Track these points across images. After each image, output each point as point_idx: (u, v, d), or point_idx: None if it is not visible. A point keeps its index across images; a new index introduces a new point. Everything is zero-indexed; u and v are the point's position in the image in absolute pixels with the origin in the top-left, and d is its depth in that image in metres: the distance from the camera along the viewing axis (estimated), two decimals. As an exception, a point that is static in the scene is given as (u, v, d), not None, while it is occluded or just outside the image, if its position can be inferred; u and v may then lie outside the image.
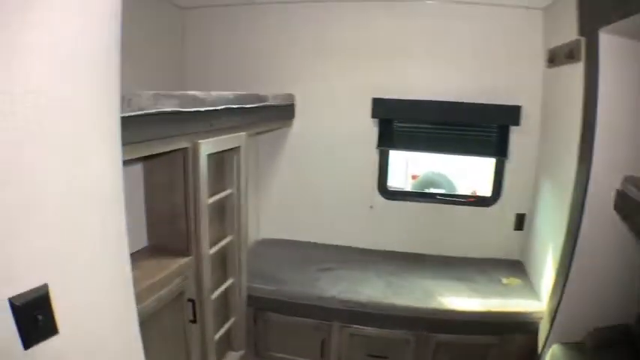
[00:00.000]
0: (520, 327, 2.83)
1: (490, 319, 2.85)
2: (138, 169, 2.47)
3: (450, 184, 6.23)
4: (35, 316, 0.92)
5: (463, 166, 6.15)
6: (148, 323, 2.07)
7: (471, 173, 6.08)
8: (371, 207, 3.77)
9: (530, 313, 2.83)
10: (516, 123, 3.36)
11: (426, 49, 3.46)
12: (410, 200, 3.88)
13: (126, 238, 1.26)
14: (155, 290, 2.11)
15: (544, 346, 2.54)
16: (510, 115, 3.34)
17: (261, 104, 3.01)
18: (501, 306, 2.89)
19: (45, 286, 0.94)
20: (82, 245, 1.05)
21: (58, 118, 0.95)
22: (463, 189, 6.12)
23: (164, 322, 2.27)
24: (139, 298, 1.97)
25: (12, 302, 0.88)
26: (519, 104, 3.33)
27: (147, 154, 2.06)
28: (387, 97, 3.51)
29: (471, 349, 2.91)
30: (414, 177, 6.60)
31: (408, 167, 6.63)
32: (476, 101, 3.35)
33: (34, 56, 0.88)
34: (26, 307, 0.90)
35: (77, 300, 1.04)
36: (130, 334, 1.29)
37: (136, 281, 2.05)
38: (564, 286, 2.38)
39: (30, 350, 0.92)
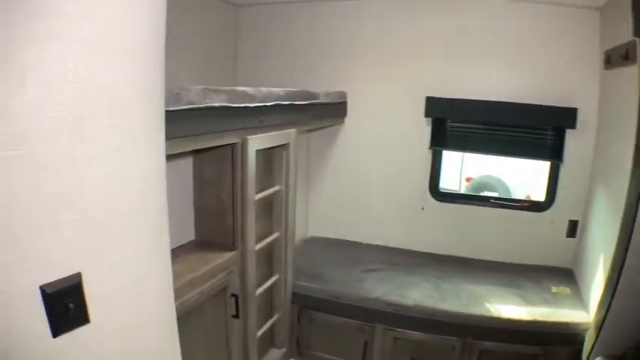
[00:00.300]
0: (567, 338, 2.70)
1: (536, 328, 2.73)
2: (189, 163, 2.51)
3: (505, 188, 6.01)
4: (66, 305, 0.92)
5: (521, 170, 5.91)
6: (189, 316, 2.10)
7: (528, 177, 5.83)
8: (422, 208, 3.69)
9: (578, 325, 2.70)
10: (572, 126, 3.22)
11: (480, 48, 3.36)
12: (462, 203, 3.75)
13: (166, 231, 1.25)
14: (198, 284, 2.13)
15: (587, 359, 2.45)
16: (566, 117, 3.21)
17: (312, 101, 2.99)
18: (549, 315, 2.77)
19: (78, 275, 0.95)
20: (119, 236, 1.05)
21: (97, 108, 0.95)
22: (519, 194, 5.89)
23: (206, 316, 2.29)
24: (181, 291, 2.00)
25: (43, 290, 0.88)
26: (575, 106, 3.19)
27: (195, 148, 2.08)
28: (440, 96, 3.44)
29: (515, 359, 2.81)
30: (468, 180, 6.41)
31: (463, 170, 6.45)
32: (531, 102, 3.24)
33: (73, 46, 0.88)
34: (57, 295, 0.90)
35: (111, 290, 1.04)
36: (166, 325, 1.28)
37: (180, 274, 2.09)
38: (612, 298, 2.27)
39: (59, 338, 0.92)
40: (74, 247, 0.94)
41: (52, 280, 0.90)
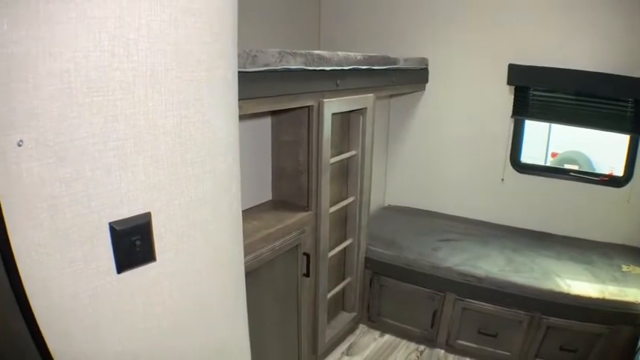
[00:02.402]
0: (632, 318, 2.57)
1: (604, 307, 2.61)
2: (268, 125, 2.59)
3: (588, 163, 5.71)
4: (134, 242, 0.99)
5: (611, 147, 5.52)
6: (261, 270, 2.20)
7: (616, 155, 5.44)
8: (502, 180, 3.57)
9: None
10: None
11: (564, 15, 3.17)
12: (542, 175, 3.59)
13: (237, 180, 1.30)
14: (271, 240, 2.22)
15: None
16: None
17: (391, 67, 2.94)
18: (617, 294, 2.63)
19: (148, 215, 1.02)
20: (189, 182, 1.11)
21: (169, 62, 1.01)
22: (604, 170, 5.52)
23: (277, 272, 2.37)
24: (255, 245, 2.10)
25: (112, 226, 0.96)
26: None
27: (272, 109, 2.14)
28: (523, 63, 3.28)
29: (580, 337, 2.71)
30: (553, 155, 6.14)
31: (549, 145, 6.16)
32: (613, 72, 3.02)
33: (146, 3, 0.94)
34: (126, 232, 0.98)
35: (178, 232, 1.11)
36: (232, 273, 1.35)
37: (255, 230, 2.19)
38: None
39: (123, 274, 1.00)
40: (145, 189, 1.01)
41: (121, 217, 0.97)
